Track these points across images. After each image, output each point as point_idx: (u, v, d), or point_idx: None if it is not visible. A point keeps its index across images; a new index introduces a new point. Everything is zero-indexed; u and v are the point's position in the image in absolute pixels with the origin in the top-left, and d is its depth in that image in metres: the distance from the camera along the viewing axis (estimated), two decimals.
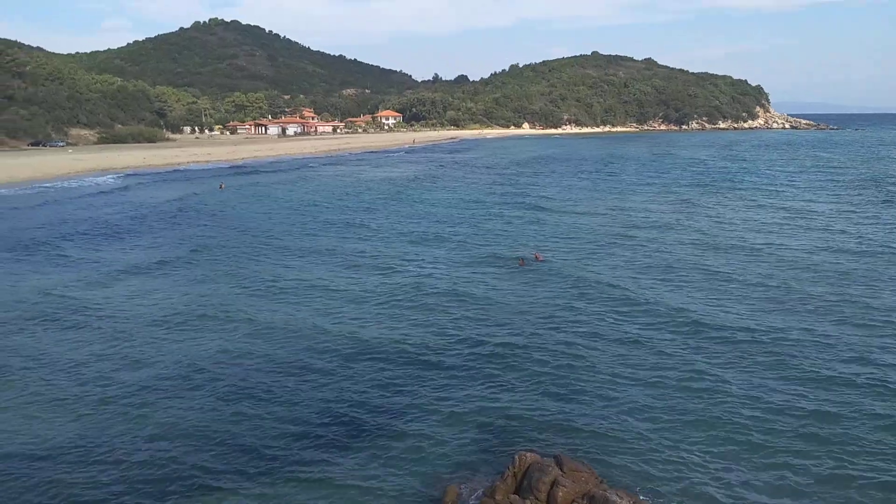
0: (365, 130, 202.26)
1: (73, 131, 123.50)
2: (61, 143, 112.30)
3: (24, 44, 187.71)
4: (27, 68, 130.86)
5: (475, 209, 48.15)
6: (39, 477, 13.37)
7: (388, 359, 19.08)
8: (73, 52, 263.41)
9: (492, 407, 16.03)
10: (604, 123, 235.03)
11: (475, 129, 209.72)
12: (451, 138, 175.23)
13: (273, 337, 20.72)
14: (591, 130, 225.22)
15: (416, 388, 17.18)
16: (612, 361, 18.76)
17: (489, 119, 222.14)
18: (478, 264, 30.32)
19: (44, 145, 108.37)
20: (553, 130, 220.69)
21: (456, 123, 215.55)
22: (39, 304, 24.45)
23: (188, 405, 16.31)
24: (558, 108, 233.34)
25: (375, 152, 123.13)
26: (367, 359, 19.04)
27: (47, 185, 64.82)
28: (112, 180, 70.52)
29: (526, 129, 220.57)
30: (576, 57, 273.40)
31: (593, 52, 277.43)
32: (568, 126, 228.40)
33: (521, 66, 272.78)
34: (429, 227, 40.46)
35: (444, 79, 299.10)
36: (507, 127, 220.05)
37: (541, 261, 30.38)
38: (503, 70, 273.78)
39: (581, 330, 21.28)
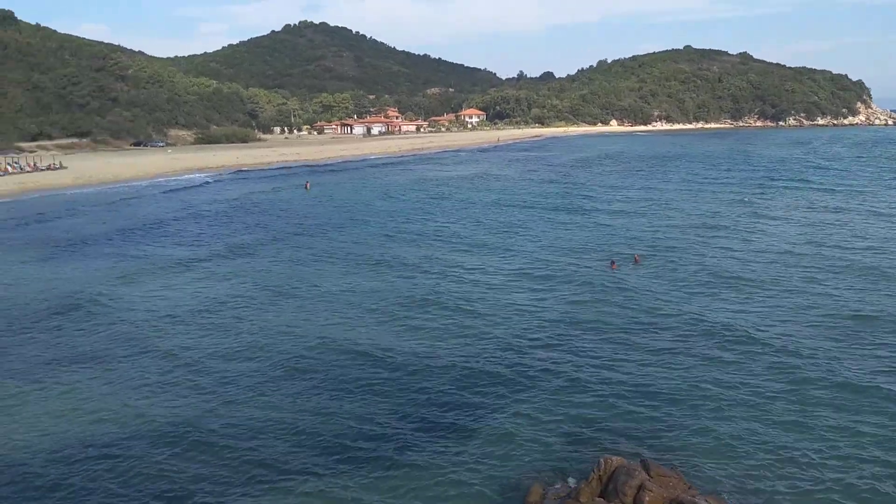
0: (448, 129, 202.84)
1: (172, 132, 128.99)
2: (161, 144, 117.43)
3: (126, 48, 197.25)
4: (130, 72, 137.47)
5: (557, 208, 47.50)
6: (131, 461, 13.84)
7: (471, 358, 18.94)
8: (172, 56, 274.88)
9: (576, 410, 15.79)
10: (696, 120, 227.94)
11: (560, 126, 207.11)
12: (536, 136, 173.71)
13: (357, 335, 20.90)
14: (683, 127, 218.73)
15: (498, 389, 17.03)
16: (701, 367, 18.11)
17: (575, 116, 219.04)
18: (564, 265, 29.79)
19: (145, 145, 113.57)
20: (642, 127, 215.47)
21: (541, 121, 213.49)
22: (134, 293, 25.55)
23: (276, 396, 16.65)
24: (648, 104, 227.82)
25: (458, 151, 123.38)
26: (450, 358, 18.98)
27: (147, 182, 67.86)
28: (205, 179, 73.20)
29: (614, 127, 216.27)
30: (667, 52, 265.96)
31: (686, 47, 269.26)
32: (658, 123, 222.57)
33: (609, 61, 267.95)
34: (514, 225, 40.16)
35: (529, 76, 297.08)
36: (594, 124, 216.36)
37: (638, 263, 29.71)
38: (591, 66, 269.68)
39: (669, 334, 20.60)
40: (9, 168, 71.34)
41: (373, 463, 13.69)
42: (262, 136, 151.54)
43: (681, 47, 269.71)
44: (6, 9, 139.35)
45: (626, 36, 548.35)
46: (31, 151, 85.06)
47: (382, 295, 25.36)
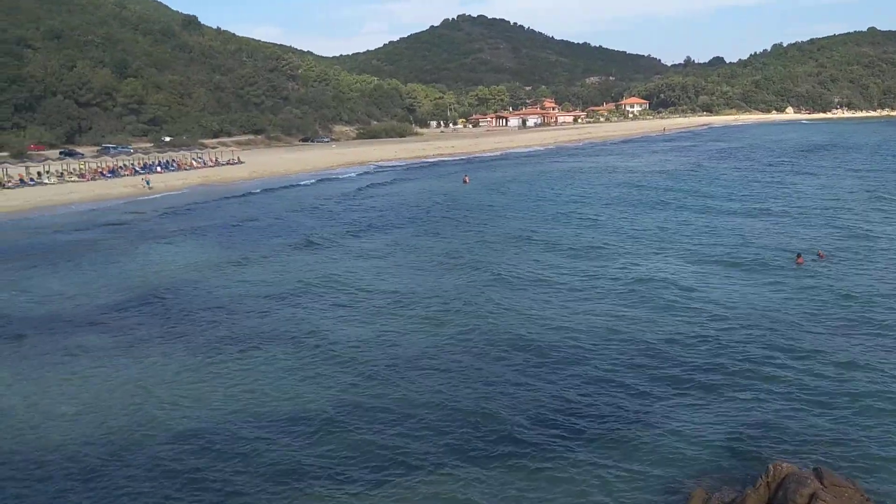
0: (608, 119, 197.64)
1: (336, 128, 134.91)
2: (326, 139, 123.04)
3: (296, 49, 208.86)
4: (299, 71, 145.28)
5: (735, 198, 44.45)
6: (262, 443, 14.00)
7: (631, 355, 17.98)
8: (337, 55, 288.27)
9: (742, 414, 14.65)
10: (881, 107, 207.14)
11: (730, 114, 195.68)
12: (704, 125, 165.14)
13: (510, 327, 20.30)
14: (866, 115, 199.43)
15: (659, 388, 16.03)
16: (883, 375, 16.00)
17: (747, 103, 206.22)
18: (746, 260, 27.62)
19: (312, 141, 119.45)
20: (821, 115, 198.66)
21: (709, 109, 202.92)
22: (306, 280, 26.41)
23: (425, 387, 16.47)
24: (828, 90, 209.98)
25: (618, 142, 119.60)
26: (610, 354, 18.10)
27: (314, 175, 71.05)
28: (367, 173, 75.60)
29: (789, 114, 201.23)
30: (849, 34, 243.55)
31: (869, 28, 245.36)
32: (838, 110, 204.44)
33: (784, 45, 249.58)
34: (687, 220, 37.89)
35: (696, 62, 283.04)
36: (768, 111, 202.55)
37: (823, 259, 27.08)
38: (764, 50, 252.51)
39: (860, 337, 18.41)
40: (194, 163, 77.35)
41: (520, 460, 13.18)
42: (419, 130, 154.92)
43: (864, 29, 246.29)
44: (191, 14, 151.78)
45: (803, 17, 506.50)
46: (213, 147, 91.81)
47: (550, 283, 24.76)
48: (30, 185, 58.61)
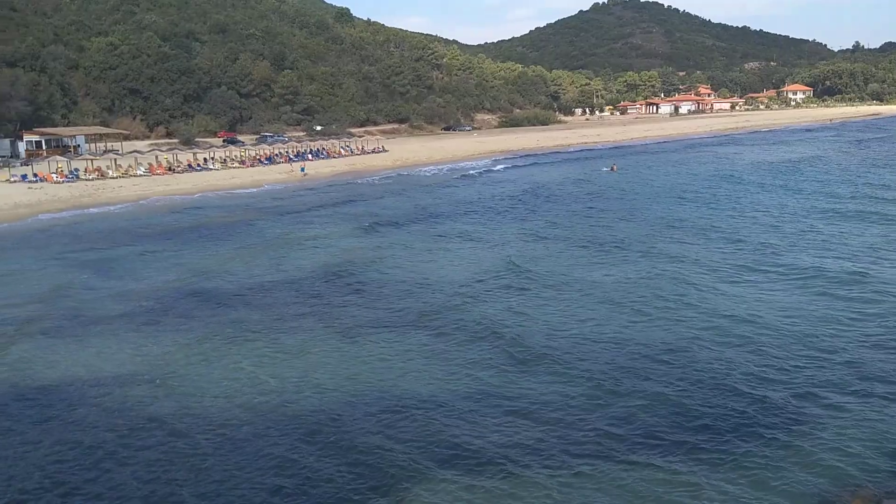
0: (767, 107, 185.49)
1: (479, 116, 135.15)
2: (468, 128, 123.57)
3: (442, 38, 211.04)
4: (444, 60, 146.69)
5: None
6: (441, 431, 13.78)
7: (795, 351, 16.74)
8: (482, 43, 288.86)
9: None
10: None
11: None
12: (874, 114, 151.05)
13: (679, 322, 19.20)
14: None
15: (826, 391, 14.80)
16: None
17: None
18: None
19: (454, 129, 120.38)
20: None
21: (879, 98, 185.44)
22: (448, 265, 26.14)
23: (575, 376, 15.93)
24: None
25: (779, 130, 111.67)
26: (771, 351, 16.84)
27: (454, 164, 71.44)
28: (508, 161, 74.97)
29: None
30: None
31: None
32: None
33: None
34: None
35: (866, 47, 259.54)
36: None
37: None
38: None
39: None
40: (342, 151, 79.97)
41: (666, 462, 12.37)
42: (563, 118, 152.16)
43: None
44: (344, 7, 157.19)
45: None
46: (359, 136, 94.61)
47: (720, 273, 23.32)
48: (196, 170, 62.67)
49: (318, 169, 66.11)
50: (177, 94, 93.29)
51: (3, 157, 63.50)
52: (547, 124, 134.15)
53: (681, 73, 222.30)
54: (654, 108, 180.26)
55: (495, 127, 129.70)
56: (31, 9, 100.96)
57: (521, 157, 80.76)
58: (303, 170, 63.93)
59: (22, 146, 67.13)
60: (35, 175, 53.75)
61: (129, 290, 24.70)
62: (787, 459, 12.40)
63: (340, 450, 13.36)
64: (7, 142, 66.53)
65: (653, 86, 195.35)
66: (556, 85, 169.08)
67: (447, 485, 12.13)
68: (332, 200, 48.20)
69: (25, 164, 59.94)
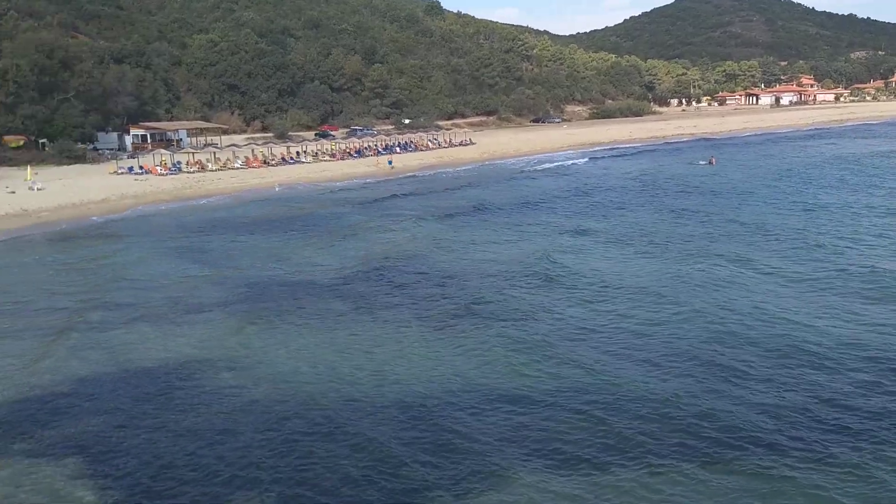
0: (874, 98, 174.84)
1: (569, 108, 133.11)
2: (557, 120, 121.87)
3: (533, 29, 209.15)
4: (534, 51, 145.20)
5: None
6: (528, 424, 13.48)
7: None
8: (574, 33, 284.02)
9: None
10: None
11: None
12: None
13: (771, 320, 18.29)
14: None
15: None
16: None
17: None
18: None
19: (543, 121, 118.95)
20: None
21: None
22: (535, 263, 25.93)
23: (659, 375, 15.35)
24: None
25: (891, 122, 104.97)
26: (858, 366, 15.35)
27: (542, 157, 70.43)
28: (598, 153, 73.39)
29: None
30: None
31: None
32: None
33: None
34: None
35: None
36: None
37: None
38: None
39: None
40: (429, 144, 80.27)
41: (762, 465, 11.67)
42: (657, 108, 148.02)
43: None
44: (434, 0, 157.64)
45: None
46: (447, 129, 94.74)
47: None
48: (290, 163, 64.21)
49: (406, 162, 66.51)
50: (272, 89, 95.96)
51: (112, 150, 66.88)
52: (641, 115, 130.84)
53: (782, 63, 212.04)
54: (754, 98, 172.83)
55: (586, 118, 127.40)
56: (136, 7, 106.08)
57: (612, 149, 78.90)
58: (390, 163, 64.45)
59: (129, 140, 70.50)
60: (140, 167, 56.31)
61: (224, 278, 25.43)
62: (875, 465, 11.68)
63: (424, 439, 13.28)
64: (115, 135, 70.04)
65: (752, 76, 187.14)
66: (650, 75, 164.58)
67: (530, 479, 11.87)
68: (418, 193, 48.40)
69: (132, 156, 62.90)
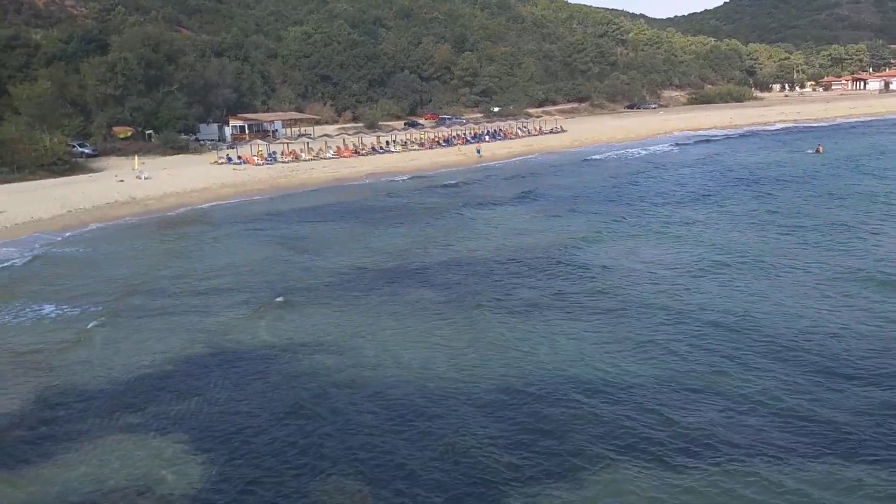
0: None
1: (665, 93, 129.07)
2: (653, 105, 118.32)
3: (628, 12, 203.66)
4: (629, 36, 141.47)
5: None
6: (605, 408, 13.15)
7: None
8: (671, 17, 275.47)
9: None
10: None
11: None
12: None
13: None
14: None
15: None
16: None
17: None
18: None
19: (638, 107, 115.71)
20: None
21: None
22: (649, 254, 25.11)
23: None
24: None
25: None
26: None
27: (640, 144, 68.49)
28: (696, 139, 70.82)
29: None
30: None
31: None
32: None
33: None
34: None
35: None
36: None
37: None
38: None
39: None
40: (518, 132, 79.45)
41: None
42: (759, 94, 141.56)
43: None
44: None
45: None
46: (537, 116, 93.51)
47: None
48: (379, 152, 64.90)
49: (494, 150, 66.08)
50: (363, 80, 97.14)
51: (212, 140, 69.32)
52: (741, 101, 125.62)
53: (892, 47, 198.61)
54: (862, 83, 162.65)
55: (684, 104, 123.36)
56: (235, 1, 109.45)
57: (711, 135, 76.05)
58: (479, 151, 64.19)
59: (228, 131, 72.91)
60: (239, 157, 58.11)
61: (317, 266, 25.94)
62: None
63: (522, 428, 13.26)
64: (216, 126, 72.55)
65: (860, 60, 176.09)
66: (751, 59, 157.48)
67: (645, 472, 11.71)
68: (505, 181, 48.08)
69: (231, 147, 65.00)
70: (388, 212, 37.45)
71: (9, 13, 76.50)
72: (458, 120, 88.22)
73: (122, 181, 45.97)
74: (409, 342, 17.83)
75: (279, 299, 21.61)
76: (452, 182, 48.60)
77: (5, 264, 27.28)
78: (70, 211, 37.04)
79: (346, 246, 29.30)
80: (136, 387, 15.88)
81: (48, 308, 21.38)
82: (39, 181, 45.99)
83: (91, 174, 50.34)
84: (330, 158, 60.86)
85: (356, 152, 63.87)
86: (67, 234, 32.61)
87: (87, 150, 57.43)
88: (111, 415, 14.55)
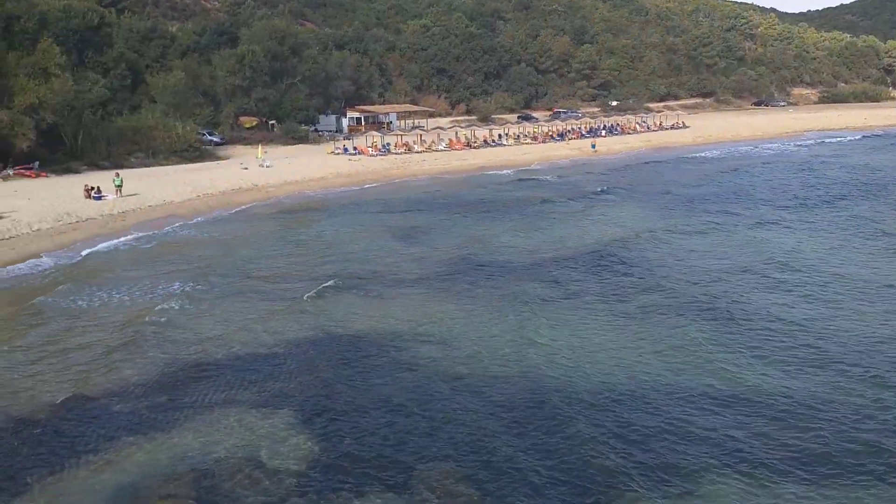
0: None
1: (795, 91, 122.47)
2: (782, 103, 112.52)
3: (758, 6, 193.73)
4: (759, 30, 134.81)
5: None
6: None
7: None
8: (803, 11, 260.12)
9: None
10: None
11: None
12: None
13: None
14: None
15: None
16: None
17: None
18: None
19: (766, 104, 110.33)
20: None
21: None
22: (751, 257, 24.52)
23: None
24: None
25: None
26: None
27: (767, 143, 65.32)
28: (829, 141, 66.74)
29: None
30: None
31: None
32: None
33: None
34: None
35: None
36: None
37: None
38: None
39: None
40: (637, 127, 77.40)
41: None
42: None
43: None
44: None
45: None
46: (657, 111, 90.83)
47: None
48: (491, 146, 64.93)
49: (610, 146, 64.69)
50: (479, 73, 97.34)
51: (330, 131, 71.54)
52: (877, 101, 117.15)
53: None
54: None
55: (814, 102, 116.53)
56: None
57: (843, 136, 71.40)
58: (593, 146, 63.05)
59: (345, 122, 75.00)
60: (354, 148, 59.65)
61: (422, 256, 26.32)
62: None
63: (611, 431, 13.05)
64: (334, 118, 74.81)
65: None
66: (890, 57, 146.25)
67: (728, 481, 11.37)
68: (619, 178, 46.91)
69: (347, 138, 66.82)
70: (497, 204, 37.40)
71: (147, 5, 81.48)
72: (574, 114, 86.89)
73: (245, 168, 48.18)
74: (507, 334, 17.92)
75: (384, 288, 22.11)
76: (563, 176, 47.96)
77: (144, 245, 29.15)
78: (199, 196, 39.18)
79: (452, 236, 29.59)
80: (252, 362, 16.62)
81: (176, 285, 22.67)
82: (172, 166, 48.98)
83: (218, 161, 53.15)
84: (441, 151, 61.43)
85: (468, 145, 64.16)
86: (197, 219, 34.47)
87: (215, 139, 60.65)
88: (229, 388, 15.29)
